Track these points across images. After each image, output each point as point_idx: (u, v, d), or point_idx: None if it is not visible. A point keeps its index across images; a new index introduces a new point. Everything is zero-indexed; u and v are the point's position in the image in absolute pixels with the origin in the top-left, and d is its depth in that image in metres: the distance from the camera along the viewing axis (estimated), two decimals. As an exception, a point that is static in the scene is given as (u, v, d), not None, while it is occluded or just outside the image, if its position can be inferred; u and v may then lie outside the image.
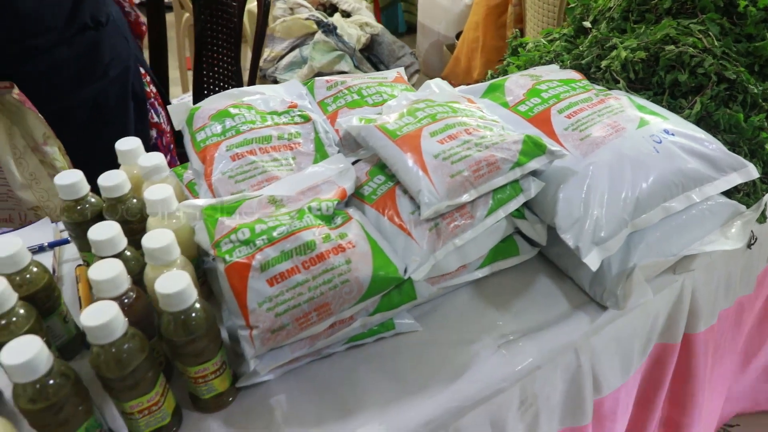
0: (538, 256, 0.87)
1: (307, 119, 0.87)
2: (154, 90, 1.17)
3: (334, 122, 0.89)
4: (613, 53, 0.99)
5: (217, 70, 1.71)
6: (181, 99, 2.10)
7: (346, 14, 2.71)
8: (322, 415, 0.67)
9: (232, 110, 0.85)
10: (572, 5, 1.20)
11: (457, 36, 2.64)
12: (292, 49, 2.42)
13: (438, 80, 0.94)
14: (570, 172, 0.76)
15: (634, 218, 0.75)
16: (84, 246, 0.78)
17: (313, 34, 2.46)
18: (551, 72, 0.98)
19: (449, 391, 0.70)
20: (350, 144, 0.87)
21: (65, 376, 0.55)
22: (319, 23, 2.44)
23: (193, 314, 0.60)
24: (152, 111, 1.14)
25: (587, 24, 1.14)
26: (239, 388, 0.69)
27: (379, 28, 2.57)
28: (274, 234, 0.65)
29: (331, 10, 2.83)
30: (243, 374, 0.68)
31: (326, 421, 0.66)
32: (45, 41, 1.02)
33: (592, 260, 0.72)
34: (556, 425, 0.82)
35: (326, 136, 0.86)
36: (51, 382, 0.54)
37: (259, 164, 0.79)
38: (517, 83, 0.93)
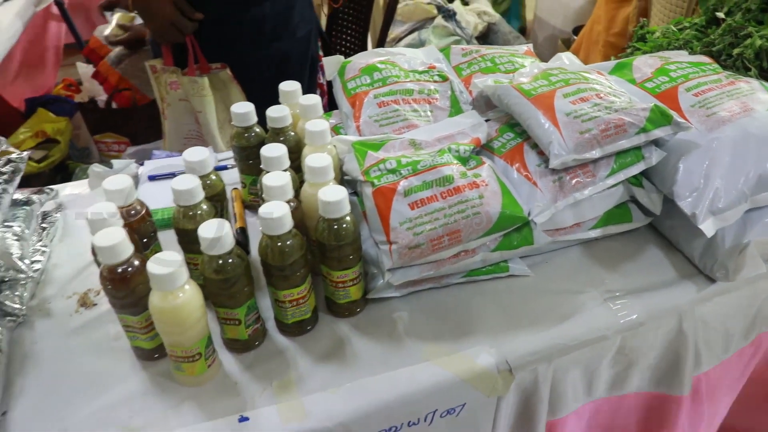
0: (649, 227, 0.91)
1: (444, 78, 0.95)
2: (322, 54, 1.33)
3: (468, 85, 0.97)
4: (747, 41, 1.00)
5: (345, 44, 1.83)
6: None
7: (464, 2, 2.78)
8: (438, 332, 0.76)
9: (380, 65, 0.95)
10: (706, -5, 1.21)
11: (575, 31, 2.63)
12: (411, 32, 2.52)
13: (569, 53, 1.00)
14: (693, 145, 0.80)
15: (755, 194, 0.78)
16: (244, 168, 0.91)
17: (432, 18, 2.55)
18: (680, 55, 1.01)
19: (556, 330, 0.76)
20: (481, 106, 0.95)
21: (240, 258, 0.67)
22: (439, 8, 2.52)
23: (344, 225, 0.70)
24: (320, 72, 1.30)
25: (721, 14, 1.15)
26: (368, 299, 0.79)
27: (496, 17, 2.62)
28: (418, 166, 0.74)
29: (450, -3, 2.91)
30: (373, 289, 0.78)
31: (442, 338, 0.75)
32: None
33: (707, 228, 0.76)
34: (647, 385, 0.86)
35: (461, 96, 0.94)
36: (230, 260, 0.66)
37: (401, 112, 0.88)
38: (645, 62, 0.97)
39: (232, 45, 1.24)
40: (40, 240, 0.87)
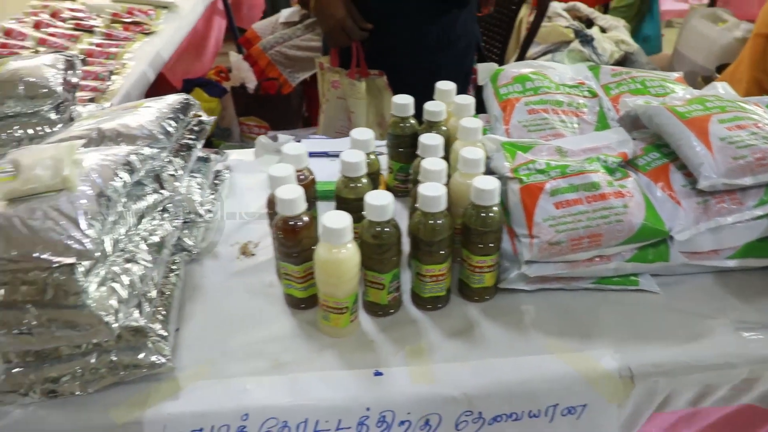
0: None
1: (594, 95, 0.99)
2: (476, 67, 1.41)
3: (616, 104, 0.99)
4: None
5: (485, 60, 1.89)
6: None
7: (603, 29, 2.75)
8: (564, 330, 0.79)
9: (532, 76, 1.00)
10: None
11: (718, 69, 2.53)
12: (545, 53, 2.54)
13: (724, 83, 1.00)
14: None
15: None
16: (394, 155, 1.00)
17: (567, 42, 2.55)
18: None
19: (681, 348, 0.77)
20: (627, 124, 0.97)
21: (396, 228, 0.75)
22: (577, 32, 2.53)
23: (491, 213, 0.76)
24: (470, 85, 1.38)
25: None
26: (499, 289, 0.84)
27: (635, 47, 2.58)
28: (567, 170, 0.78)
29: (587, 23, 2.89)
30: (504, 280, 0.83)
31: (567, 336, 0.78)
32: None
33: None
34: (752, 400, 0.83)
35: (608, 112, 0.97)
36: (387, 229, 0.73)
37: (550, 121, 0.93)
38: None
39: (391, 53, 1.34)
40: (212, 194, 1.00)
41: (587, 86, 1.01)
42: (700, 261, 0.84)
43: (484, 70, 1.05)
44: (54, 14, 1.86)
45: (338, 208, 0.84)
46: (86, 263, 0.63)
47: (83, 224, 0.63)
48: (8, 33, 1.70)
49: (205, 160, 1.01)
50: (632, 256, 0.79)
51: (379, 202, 0.71)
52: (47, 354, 0.70)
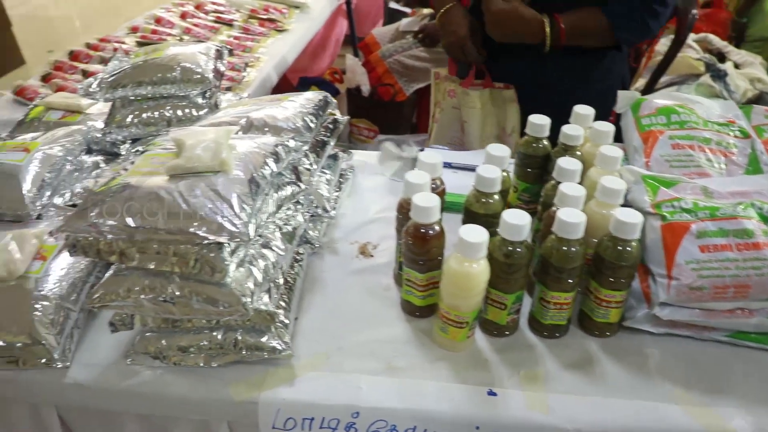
0: None
1: (746, 135, 0.93)
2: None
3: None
4: None
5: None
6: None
7: (736, 65, 2.58)
8: (691, 381, 0.75)
9: (678, 109, 0.95)
10: None
11: None
12: (669, 85, 2.42)
13: None
14: None
15: None
16: (521, 174, 0.98)
17: (696, 75, 2.42)
18: None
19: (825, 421, 0.71)
20: (780, 171, 0.90)
21: (528, 250, 0.73)
22: (708, 66, 2.39)
23: (629, 248, 0.72)
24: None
25: None
26: (622, 326, 0.80)
27: (772, 88, 2.39)
28: (717, 213, 0.74)
29: (719, 57, 2.73)
30: (631, 318, 0.79)
31: (694, 388, 0.74)
32: None
33: None
34: None
35: (761, 156, 0.91)
36: (519, 249, 0.72)
37: (695, 158, 0.88)
38: None
39: (522, 83, 1.33)
40: (337, 191, 1.03)
41: (738, 125, 0.95)
42: None
43: (624, 98, 1.01)
44: (198, 6, 1.99)
45: (466, 221, 0.84)
46: (233, 243, 0.66)
47: (236, 206, 0.66)
48: (158, 21, 1.84)
49: (334, 157, 1.04)
50: (779, 314, 0.74)
51: (517, 221, 0.70)
52: (180, 324, 0.75)
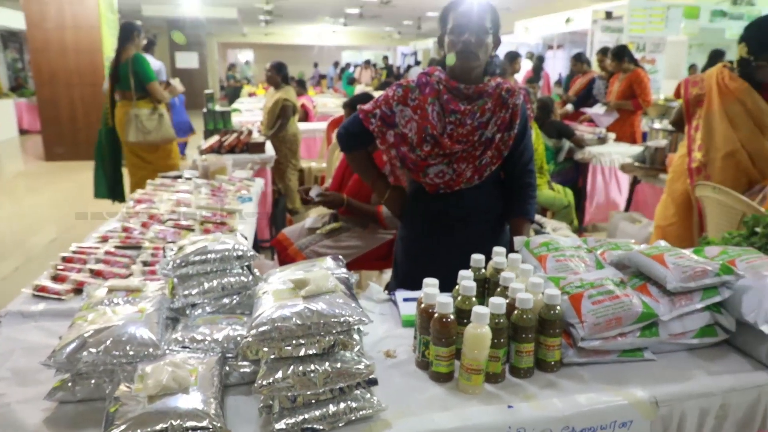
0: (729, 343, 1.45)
1: (590, 250, 1.61)
2: None
3: (603, 256, 1.61)
4: (776, 242, 1.63)
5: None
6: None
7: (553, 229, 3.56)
8: (609, 381, 1.29)
9: (551, 241, 1.62)
10: (746, 220, 1.88)
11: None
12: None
13: (663, 240, 1.65)
14: (749, 287, 1.39)
15: (791, 314, 1.33)
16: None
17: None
18: (734, 248, 1.64)
19: (682, 385, 1.28)
20: (614, 266, 1.58)
21: (505, 322, 1.26)
22: (537, 232, 3.30)
23: (555, 311, 1.29)
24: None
25: (758, 229, 1.80)
26: (563, 363, 1.34)
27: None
28: (594, 285, 1.36)
29: (540, 226, 3.70)
30: (565, 356, 1.33)
31: (612, 383, 1.28)
32: None
33: (766, 328, 1.30)
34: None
35: (600, 260, 1.58)
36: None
37: (570, 265, 1.52)
38: (710, 252, 1.61)
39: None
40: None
41: (584, 247, 1.63)
42: (677, 340, 1.38)
43: (518, 241, 1.66)
44: (152, 217, 2.37)
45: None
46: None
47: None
48: (126, 230, 2.22)
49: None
50: (640, 333, 1.33)
51: (483, 310, 1.24)
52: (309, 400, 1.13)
